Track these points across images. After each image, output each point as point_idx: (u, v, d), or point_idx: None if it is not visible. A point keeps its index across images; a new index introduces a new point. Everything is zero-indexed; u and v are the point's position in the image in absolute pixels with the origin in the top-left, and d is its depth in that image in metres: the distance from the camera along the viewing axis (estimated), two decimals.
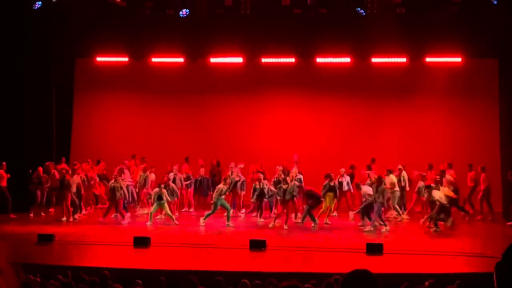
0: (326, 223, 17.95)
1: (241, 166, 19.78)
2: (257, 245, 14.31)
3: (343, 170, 19.15)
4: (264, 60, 22.12)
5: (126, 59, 22.53)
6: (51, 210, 19.30)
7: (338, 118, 22.75)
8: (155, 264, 12.92)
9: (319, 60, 21.91)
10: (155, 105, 23.34)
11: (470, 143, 21.59)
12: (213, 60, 22.24)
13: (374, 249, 13.90)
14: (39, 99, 21.14)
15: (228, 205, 18.01)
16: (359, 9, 19.95)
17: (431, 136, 21.98)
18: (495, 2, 19.08)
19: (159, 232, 16.54)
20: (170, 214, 17.92)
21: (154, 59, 22.47)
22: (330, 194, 17.98)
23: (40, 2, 20.18)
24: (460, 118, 22.07)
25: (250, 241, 14.40)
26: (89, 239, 15.56)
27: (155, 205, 17.76)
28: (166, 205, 17.78)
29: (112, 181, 18.33)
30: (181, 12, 20.47)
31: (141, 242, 14.59)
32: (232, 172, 19.33)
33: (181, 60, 22.37)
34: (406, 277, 11.46)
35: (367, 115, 22.54)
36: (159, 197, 17.68)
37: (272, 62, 22.24)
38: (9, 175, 18.61)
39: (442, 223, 16.95)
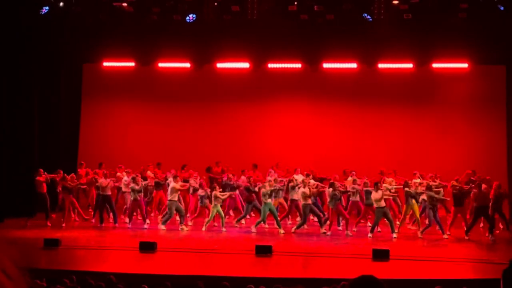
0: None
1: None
2: (263, 251, 14.30)
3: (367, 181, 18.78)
4: (270, 65, 22.15)
5: (133, 64, 22.60)
6: (54, 215, 19.24)
7: (345, 124, 22.70)
8: (161, 269, 12.91)
9: (325, 65, 21.92)
10: (162, 110, 23.35)
11: (476, 149, 21.51)
12: (219, 65, 22.28)
13: (381, 255, 13.86)
14: (46, 104, 21.19)
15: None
16: (366, 15, 19.96)
17: (438, 142, 21.90)
18: (502, 8, 19.05)
19: (165, 237, 16.55)
20: (223, 216, 17.76)
21: (160, 64, 22.54)
22: (413, 201, 17.20)
23: (47, 7, 20.27)
24: (467, 124, 21.97)
25: (256, 246, 14.39)
26: (95, 244, 15.58)
27: (212, 211, 17.48)
28: (220, 208, 17.57)
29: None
30: (188, 18, 20.53)
31: (147, 247, 14.59)
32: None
33: (187, 65, 22.42)
34: (412, 283, 11.45)
35: (374, 121, 22.48)
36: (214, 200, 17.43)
37: (279, 68, 22.25)
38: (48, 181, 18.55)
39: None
